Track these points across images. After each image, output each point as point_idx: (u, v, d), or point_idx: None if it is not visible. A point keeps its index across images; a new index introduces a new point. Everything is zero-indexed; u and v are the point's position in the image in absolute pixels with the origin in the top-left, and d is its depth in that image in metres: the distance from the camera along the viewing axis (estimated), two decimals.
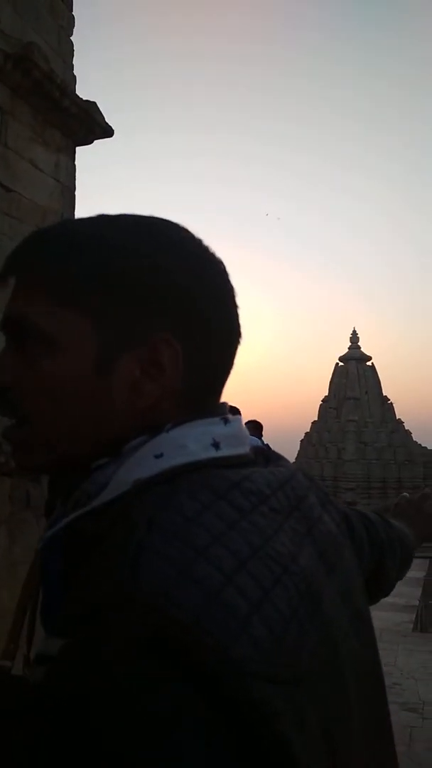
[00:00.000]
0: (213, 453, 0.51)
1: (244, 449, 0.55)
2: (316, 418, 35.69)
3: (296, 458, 33.71)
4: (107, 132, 5.63)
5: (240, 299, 0.58)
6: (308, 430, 35.43)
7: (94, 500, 0.49)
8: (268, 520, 0.49)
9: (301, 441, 34.77)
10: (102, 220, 0.55)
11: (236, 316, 0.57)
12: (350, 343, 36.28)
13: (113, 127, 5.61)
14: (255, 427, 6.42)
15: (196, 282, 0.53)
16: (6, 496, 4.30)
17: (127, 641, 0.37)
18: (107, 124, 5.56)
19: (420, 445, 33.74)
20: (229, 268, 0.59)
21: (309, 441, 34.61)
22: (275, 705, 0.38)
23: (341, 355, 37.38)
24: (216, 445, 0.52)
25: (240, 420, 0.57)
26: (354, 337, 36.32)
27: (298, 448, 33.73)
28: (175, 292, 0.52)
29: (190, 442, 0.50)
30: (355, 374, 34.37)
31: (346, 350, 36.05)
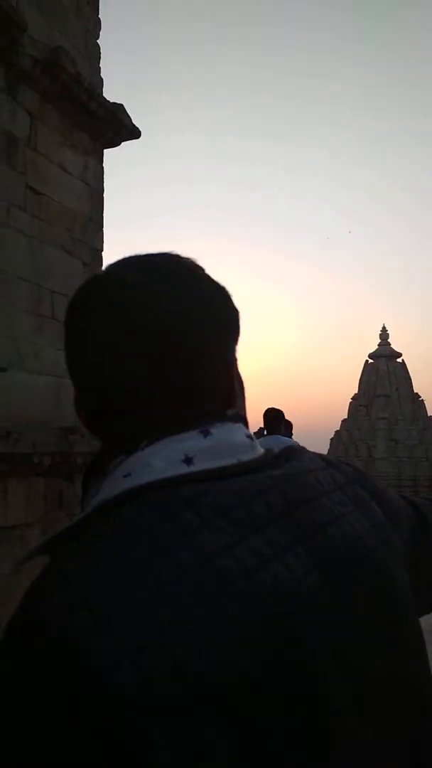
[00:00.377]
0: (183, 469, 0.50)
1: (229, 460, 0.52)
2: (345, 416, 35.42)
3: None
4: (134, 133, 5.66)
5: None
6: (338, 428, 35.21)
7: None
8: (218, 536, 0.47)
9: (331, 440, 34.36)
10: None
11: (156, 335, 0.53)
12: (380, 340, 35.86)
13: (140, 129, 5.64)
14: (285, 425, 6.30)
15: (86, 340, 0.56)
16: (40, 496, 4.36)
17: (16, 659, 0.41)
18: (134, 125, 5.59)
19: None
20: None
21: (339, 439, 34.23)
22: (148, 736, 0.38)
23: (371, 352, 37.08)
24: (188, 461, 0.51)
25: (229, 429, 0.54)
26: (384, 334, 35.85)
27: (328, 447, 33.49)
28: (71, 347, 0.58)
29: (156, 460, 0.51)
30: (385, 371, 33.92)
31: (376, 347, 35.66)
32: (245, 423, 0.58)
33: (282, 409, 5.75)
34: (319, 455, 0.64)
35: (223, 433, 0.53)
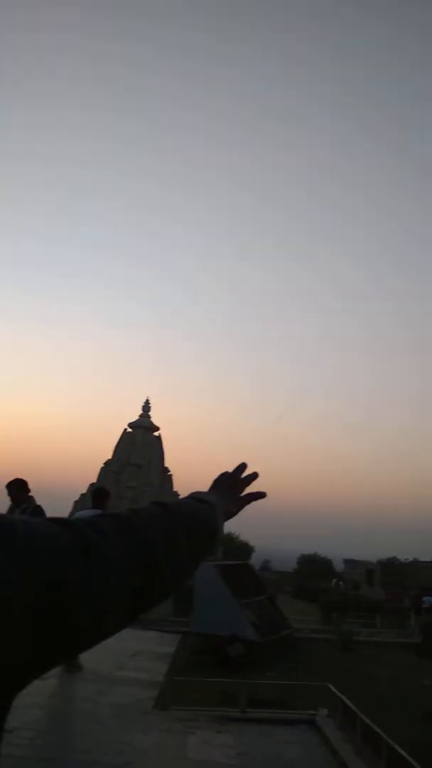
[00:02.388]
0: None
1: None
2: (94, 480, 35.07)
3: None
4: None
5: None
6: (85, 491, 34.63)
7: None
8: None
9: (75, 502, 33.70)
10: None
11: None
12: (142, 411, 36.87)
13: None
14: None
15: None
16: None
17: None
18: None
19: None
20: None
21: (84, 504, 33.61)
22: None
23: (131, 421, 37.82)
24: None
25: None
26: (146, 406, 37.01)
27: (71, 509, 32.53)
28: None
29: None
30: (141, 442, 34.71)
31: (137, 417, 36.49)
32: None
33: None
34: None
35: None
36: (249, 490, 1.13)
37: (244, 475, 1.13)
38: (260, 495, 1.12)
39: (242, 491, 1.11)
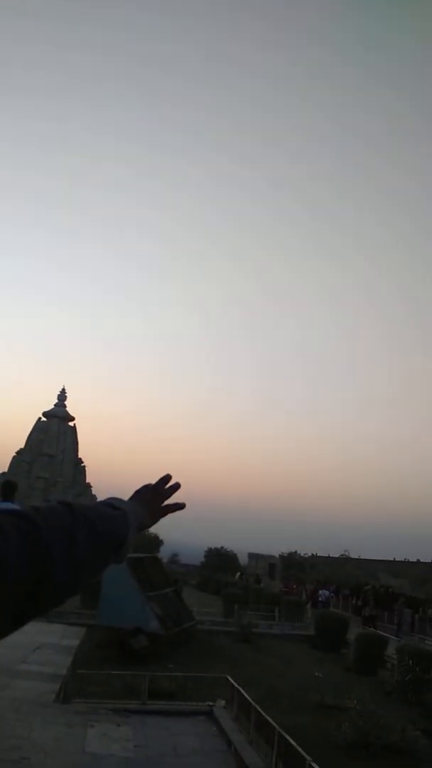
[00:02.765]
0: None
1: None
2: (5, 469, 34.11)
3: None
4: None
5: None
6: None
7: None
8: None
9: None
10: None
11: None
12: (57, 400, 36.15)
13: None
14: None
15: None
16: None
17: None
18: None
19: None
20: None
21: None
22: None
23: (45, 410, 36.94)
24: None
25: None
26: (62, 395, 36.26)
27: None
28: None
29: None
30: (55, 432, 34.06)
31: (52, 406, 35.75)
32: None
33: None
34: None
35: None
36: (171, 501, 1.11)
37: (167, 486, 1.10)
38: (179, 506, 1.11)
39: (162, 502, 1.09)
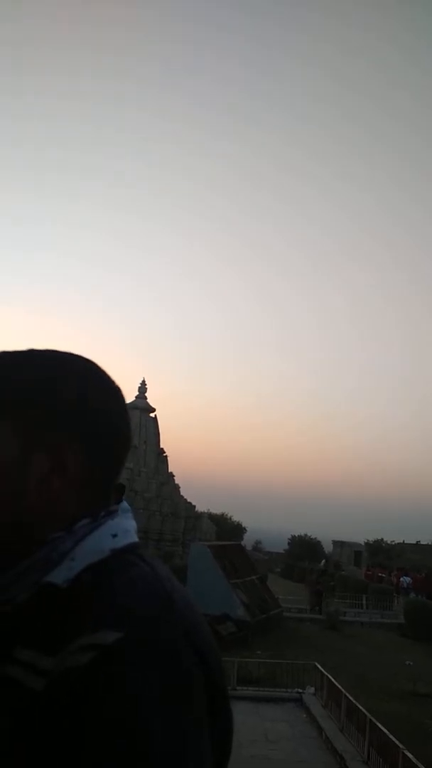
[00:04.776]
0: (135, 537, 0.75)
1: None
2: None
3: None
4: None
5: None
6: None
7: (75, 562, 0.67)
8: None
9: None
10: (19, 359, 0.74)
11: (127, 428, 0.77)
12: (138, 392, 37.04)
13: None
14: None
15: (97, 401, 0.74)
16: None
17: (172, 641, 0.62)
18: None
19: (185, 499, 35.05)
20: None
21: None
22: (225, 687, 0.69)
23: (127, 402, 37.79)
24: (134, 531, 0.75)
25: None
26: (142, 387, 37.16)
27: None
28: (80, 410, 0.72)
29: (129, 528, 0.74)
30: (137, 423, 34.96)
31: (133, 398, 36.66)
32: None
33: None
34: None
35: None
36: None
37: None
38: None
39: None
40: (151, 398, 37.66)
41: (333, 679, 10.05)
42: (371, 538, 40.84)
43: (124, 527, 0.73)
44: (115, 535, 0.71)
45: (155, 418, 37.13)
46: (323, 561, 37.08)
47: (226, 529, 41.10)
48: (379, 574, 28.80)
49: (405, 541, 38.99)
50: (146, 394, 37.98)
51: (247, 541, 42.28)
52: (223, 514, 46.64)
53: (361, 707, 8.44)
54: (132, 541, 0.72)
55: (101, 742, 0.56)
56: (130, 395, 37.27)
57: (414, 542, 38.45)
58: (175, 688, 0.60)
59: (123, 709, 0.57)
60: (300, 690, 11.09)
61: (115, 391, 0.78)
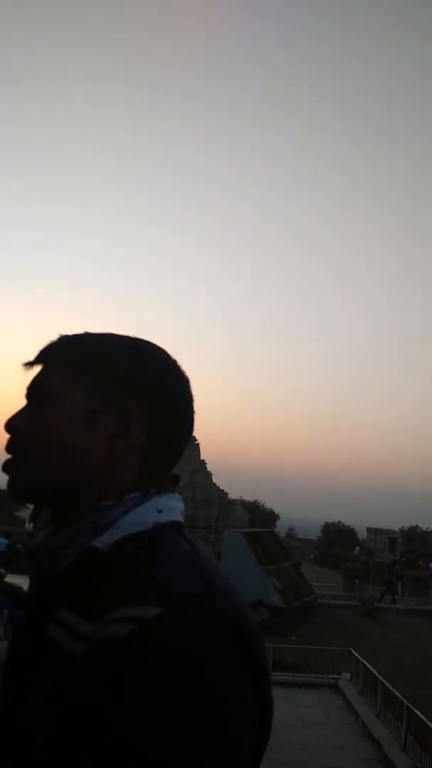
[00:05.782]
0: (180, 516, 0.75)
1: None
2: None
3: None
4: None
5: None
6: None
7: (119, 530, 0.69)
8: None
9: None
10: (103, 336, 0.80)
11: (191, 413, 0.80)
12: None
13: None
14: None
15: (164, 381, 0.77)
16: None
17: (215, 623, 0.60)
18: None
19: (218, 486, 35.20)
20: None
21: None
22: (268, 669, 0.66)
23: None
24: (181, 513, 0.76)
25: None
26: None
27: None
28: (147, 384, 0.76)
29: (175, 507, 0.74)
30: None
31: None
32: None
33: None
34: None
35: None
36: None
37: None
38: None
39: None
40: None
41: (369, 666, 9.99)
42: (406, 524, 40.43)
43: (170, 505, 0.74)
44: (160, 511, 0.72)
45: None
46: (357, 548, 36.89)
47: (259, 516, 41.18)
48: (419, 562, 28.53)
49: None
50: None
51: (280, 528, 42.32)
52: (255, 502, 46.71)
53: (398, 693, 8.37)
54: (176, 518, 0.73)
55: (131, 718, 0.55)
56: None
57: None
58: (214, 673, 0.58)
59: (157, 688, 0.55)
60: (336, 676, 11.07)
61: (188, 383, 0.81)
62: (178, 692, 0.55)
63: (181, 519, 0.74)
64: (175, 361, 0.82)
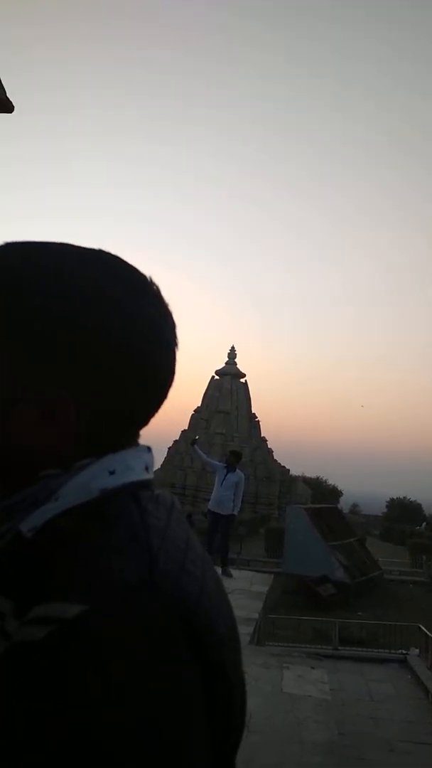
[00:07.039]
0: (146, 475, 0.62)
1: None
2: (186, 427, 36.17)
3: (162, 465, 33.76)
4: (6, 107, 5.37)
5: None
6: (177, 438, 35.81)
7: (57, 503, 0.55)
8: (183, 524, 0.62)
9: (169, 448, 34.94)
10: (26, 252, 0.58)
11: (165, 360, 0.61)
12: (227, 359, 37.29)
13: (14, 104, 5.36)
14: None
15: (109, 338, 0.57)
16: None
17: (151, 616, 0.49)
18: (7, 98, 5.31)
19: (279, 463, 35.16)
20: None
21: (176, 449, 34.84)
22: (228, 662, 0.56)
23: (218, 368, 38.32)
24: (147, 469, 0.63)
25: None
26: (232, 353, 37.32)
27: (165, 455, 33.72)
28: (82, 349, 0.56)
29: (133, 464, 0.60)
30: (228, 389, 35.22)
31: (223, 365, 36.96)
32: None
33: None
34: None
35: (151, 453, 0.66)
36: None
37: None
38: None
39: None
40: (241, 364, 37.75)
41: None
42: None
43: (126, 463, 0.59)
44: (112, 472, 0.58)
45: (246, 383, 37.25)
46: (423, 523, 36.20)
47: (322, 492, 40.97)
48: None
49: None
50: (236, 360, 38.07)
51: (344, 504, 41.98)
52: (318, 478, 46.46)
53: None
54: (132, 479, 0.59)
55: (52, 733, 0.45)
56: (219, 362, 37.65)
57: None
58: (142, 683, 0.47)
59: (78, 703, 0.45)
60: (404, 651, 10.97)
61: (163, 318, 0.61)
62: (96, 714, 0.45)
63: (143, 477, 0.61)
64: (143, 287, 0.60)
